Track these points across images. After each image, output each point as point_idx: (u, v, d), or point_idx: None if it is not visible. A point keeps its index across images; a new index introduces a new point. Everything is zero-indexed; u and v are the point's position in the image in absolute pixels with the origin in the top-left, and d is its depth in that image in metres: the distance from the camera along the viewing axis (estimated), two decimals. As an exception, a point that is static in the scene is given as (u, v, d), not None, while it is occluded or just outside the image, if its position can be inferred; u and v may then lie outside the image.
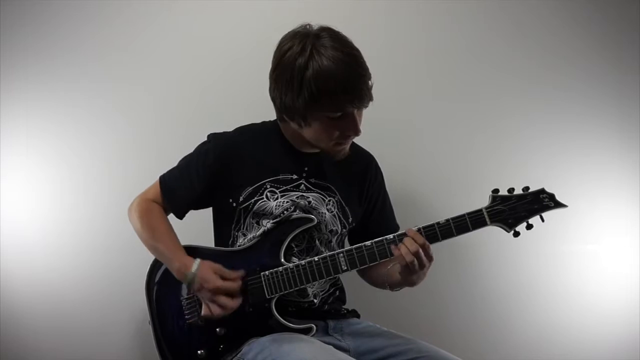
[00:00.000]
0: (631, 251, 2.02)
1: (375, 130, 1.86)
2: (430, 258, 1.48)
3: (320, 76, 1.43)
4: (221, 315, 1.51)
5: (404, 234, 1.49)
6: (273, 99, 1.57)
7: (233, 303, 1.51)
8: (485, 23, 2.07)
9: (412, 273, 1.49)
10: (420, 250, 1.46)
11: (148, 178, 1.72)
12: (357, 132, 1.53)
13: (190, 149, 1.69)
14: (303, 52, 1.45)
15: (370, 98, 1.50)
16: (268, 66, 1.58)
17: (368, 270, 1.70)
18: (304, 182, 1.64)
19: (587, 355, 2.02)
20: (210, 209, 1.71)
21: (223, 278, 1.51)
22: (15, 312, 1.99)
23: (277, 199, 1.60)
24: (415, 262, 1.46)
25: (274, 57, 1.53)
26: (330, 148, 1.58)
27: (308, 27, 1.51)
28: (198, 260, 1.53)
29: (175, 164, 1.70)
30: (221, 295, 1.50)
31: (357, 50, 1.50)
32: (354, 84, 1.46)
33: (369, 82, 1.49)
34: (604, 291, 2.03)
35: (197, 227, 1.70)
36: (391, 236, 1.51)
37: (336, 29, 1.51)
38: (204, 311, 1.52)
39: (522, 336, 2.05)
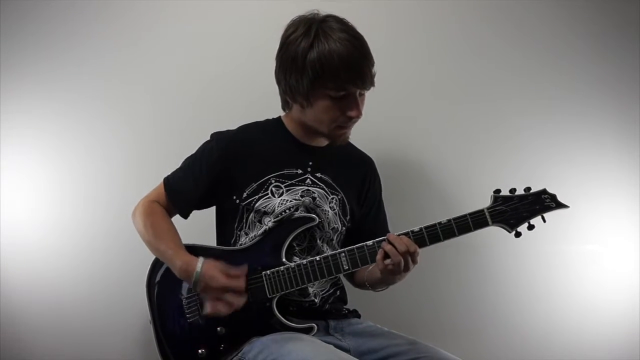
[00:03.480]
0: (631, 251, 2.02)
1: (377, 130, 1.87)
2: (415, 262, 1.48)
3: (325, 55, 1.48)
4: (228, 313, 1.50)
5: (407, 234, 1.49)
6: (278, 81, 1.60)
7: (239, 300, 1.50)
8: (485, 23, 2.07)
9: (393, 274, 1.50)
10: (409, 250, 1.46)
11: (148, 178, 1.72)
12: (359, 113, 1.55)
13: (190, 148, 1.69)
14: (308, 33, 1.50)
15: (372, 82, 1.55)
16: (269, 66, 1.60)
17: (352, 274, 1.71)
18: (309, 176, 1.64)
19: (587, 355, 2.02)
20: (213, 208, 1.71)
21: (228, 276, 1.51)
22: (15, 312, 1.98)
23: (282, 194, 1.60)
24: (402, 263, 1.46)
25: (281, 39, 1.57)
26: (331, 131, 1.59)
27: (315, 12, 1.56)
28: (202, 259, 1.52)
29: (175, 163, 1.70)
30: (228, 293, 1.49)
31: (361, 36, 1.54)
32: (357, 63, 1.50)
33: (372, 67, 1.54)
34: (604, 291, 2.03)
35: (199, 226, 1.70)
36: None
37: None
38: (210, 309, 1.50)
39: (522, 336, 2.04)
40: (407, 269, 1.48)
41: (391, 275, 1.51)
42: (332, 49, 1.48)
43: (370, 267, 1.59)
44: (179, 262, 1.54)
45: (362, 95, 1.56)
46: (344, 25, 1.53)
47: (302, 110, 1.59)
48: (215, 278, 1.49)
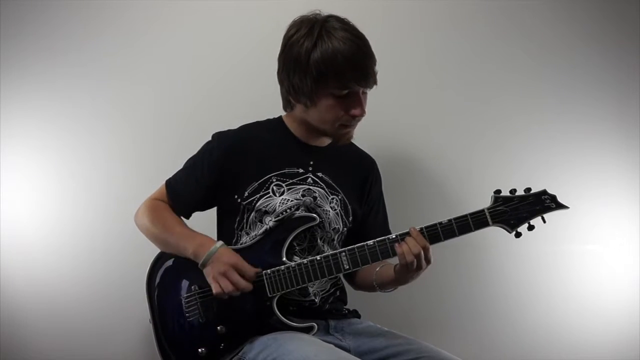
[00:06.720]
0: (631, 251, 2.02)
1: (378, 130, 1.87)
2: (428, 261, 1.50)
3: (328, 54, 1.49)
4: (231, 292, 1.49)
5: (407, 234, 1.50)
6: (281, 82, 1.61)
7: (244, 284, 1.49)
8: (486, 22, 2.07)
9: (408, 272, 1.51)
10: (422, 252, 1.47)
11: (148, 178, 1.72)
12: (362, 111, 1.56)
13: (191, 149, 1.70)
14: (311, 33, 1.51)
15: (375, 81, 1.56)
16: (270, 66, 1.61)
17: (354, 274, 1.72)
18: (310, 175, 1.65)
19: (587, 355, 2.02)
20: (214, 209, 1.72)
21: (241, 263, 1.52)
22: (15, 312, 1.98)
23: (282, 194, 1.61)
24: (415, 262, 1.48)
25: (283, 40, 1.58)
26: (335, 130, 1.60)
27: (317, 12, 1.57)
28: (222, 242, 1.55)
29: (175, 163, 1.71)
30: (234, 272, 1.49)
31: (363, 35, 1.56)
32: (361, 61, 1.52)
33: (375, 66, 1.55)
34: (604, 291, 2.03)
35: (200, 227, 1.69)
36: (393, 235, 1.51)
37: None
38: (214, 289, 1.50)
39: (522, 336, 2.04)
40: (419, 266, 1.49)
41: (405, 272, 1.51)
42: (336, 48, 1.49)
43: (380, 268, 1.61)
44: (195, 244, 1.55)
45: (364, 93, 1.58)
46: (346, 25, 1.54)
47: (305, 110, 1.60)
48: (229, 257, 1.51)
